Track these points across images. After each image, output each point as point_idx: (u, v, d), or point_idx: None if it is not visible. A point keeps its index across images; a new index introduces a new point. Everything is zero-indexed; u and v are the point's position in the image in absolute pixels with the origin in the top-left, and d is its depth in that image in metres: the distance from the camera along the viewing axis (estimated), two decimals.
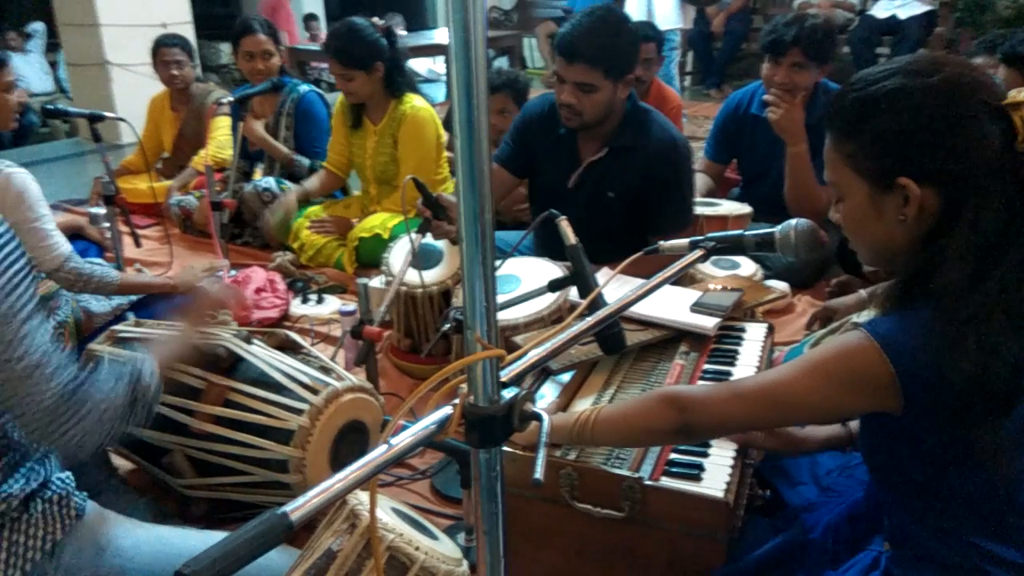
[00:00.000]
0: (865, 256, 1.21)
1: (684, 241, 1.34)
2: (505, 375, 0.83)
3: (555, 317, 2.03)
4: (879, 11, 6.43)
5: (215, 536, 1.11)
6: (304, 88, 3.66)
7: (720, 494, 1.29)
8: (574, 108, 2.29)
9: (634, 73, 2.32)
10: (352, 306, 2.53)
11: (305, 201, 3.48)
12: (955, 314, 1.01)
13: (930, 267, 1.07)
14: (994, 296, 1.01)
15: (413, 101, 3.23)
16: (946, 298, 1.03)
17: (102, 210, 3.17)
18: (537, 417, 0.83)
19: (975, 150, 1.03)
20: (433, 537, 1.35)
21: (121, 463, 1.90)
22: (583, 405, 1.54)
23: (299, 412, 1.64)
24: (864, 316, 2.04)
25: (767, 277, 2.76)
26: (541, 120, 2.51)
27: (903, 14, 6.26)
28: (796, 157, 2.75)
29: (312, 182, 3.52)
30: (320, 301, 2.96)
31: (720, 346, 1.75)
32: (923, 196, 1.07)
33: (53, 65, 8.04)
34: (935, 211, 1.08)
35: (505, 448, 0.85)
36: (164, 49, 3.92)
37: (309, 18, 9.14)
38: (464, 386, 0.80)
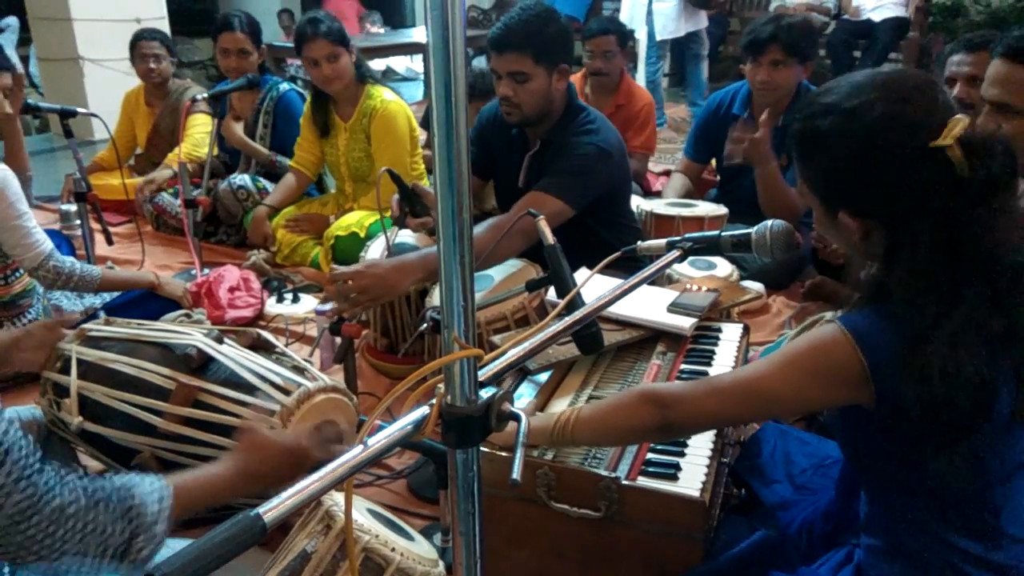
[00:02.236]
0: (840, 251, 1.24)
1: (661, 241, 1.35)
2: (483, 375, 0.82)
3: (519, 316, 2.03)
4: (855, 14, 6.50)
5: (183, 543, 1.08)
6: (284, 86, 3.63)
7: (696, 493, 1.30)
8: (511, 101, 2.31)
9: (568, 63, 2.34)
10: (328, 305, 2.51)
11: (275, 211, 3.44)
12: (922, 346, 1.03)
13: (886, 285, 1.10)
14: (960, 329, 1.02)
15: (382, 95, 3.20)
16: (912, 320, 1.05)
17: (74, 207, 3.13)
18: (515, 417, 0.82)
19: (906, 190, 1.05)
20: (409, 538, 1.35)
21: (90, 463, 1.87)
22: (561, 405, 1.54)
23: (270, 413, 1.62)
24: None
25: (743, 278, 2.78)
26: (495, 122, 2.55)
27: (876, 17, 6.33)
28: (765, 176, 2.75)
29: (276, 195, 3.45)
30: (296, 300, 2.94)
31: (697, 346, 1.76)
32: (864, 226, 1.11)
33: (24, 60, 7.91)
34: (881, 237, 1.11)
35: (482, 448, 0.84)
36: (143, 43, 3.87)
37: (283, 12, 9.05)
38: (441, 386, 0.79)
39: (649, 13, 5.84)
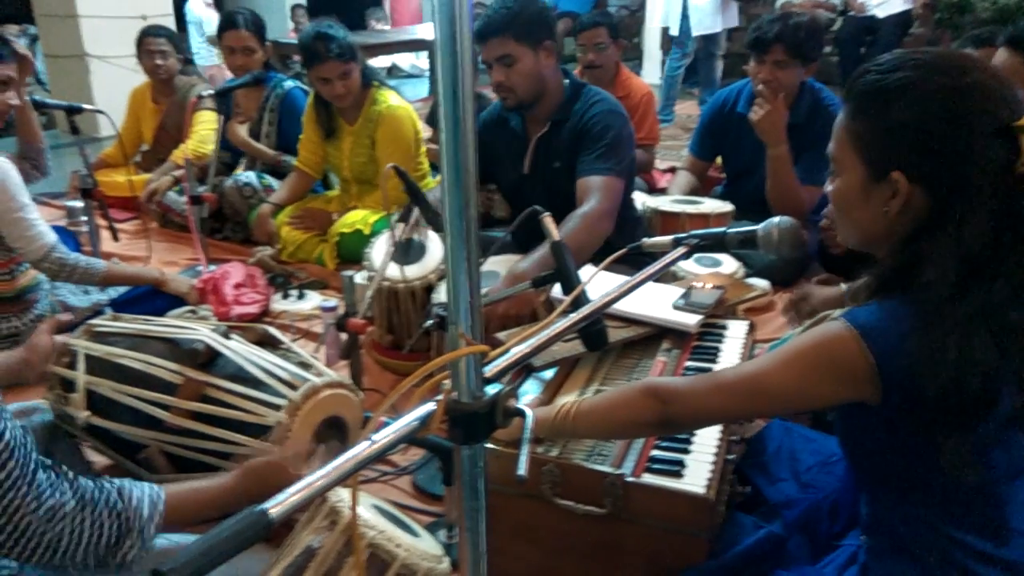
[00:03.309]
0: (844, 235, 1.22)
1: (667, 238, 1.34)
2: (488, 371, 0.82)
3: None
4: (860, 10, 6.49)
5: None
6: (289, 84, 3.62)
7: (701, 490, 1.30)
8: (504, 85, 2.41)
9: (552, 40, 2.40)
10: (333, 302, 2.52)
11: (279, 209, 3.43)
12: (938, 324, 1.02)
13: (911, 265, 1.07)
14: (978, 313, 1.01)
15: (389, 100, 3.18)
16: (928, 302, 1.04)
17: (80, 204, 3.14)
18: (520, 413, 0.82)
19: (974, 163, 1.03)
20: (414, 534, 1.35)
21: (96, 458, 1.88)
22: (565, 401, 1.54)
23: (277, 408, 1.62)
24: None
25: (748, 275, 2.77)
26: (493, 123, 2.62)
27: (881, 13, 6.31)
28: (776, 159, 2.76)
29: (281, 193, 3.45)
30: (301, 297, 2.94)
31: (702, 343, 1.75)
32: (911, 194, 1.07)
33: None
34: (920, 212, 1.08)
35: (488, 445, 0.84)
36: (149, 39, 3.88)
37: (296, 8, 9.06)
38: (447, 382, 0.79)
39: (685, 9, 5.83)
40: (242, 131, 3.57)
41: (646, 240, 1.38)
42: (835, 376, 1.09)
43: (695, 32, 5.86)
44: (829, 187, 1.20)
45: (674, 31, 6.01)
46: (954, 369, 1.00)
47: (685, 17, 5.88)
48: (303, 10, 8.99)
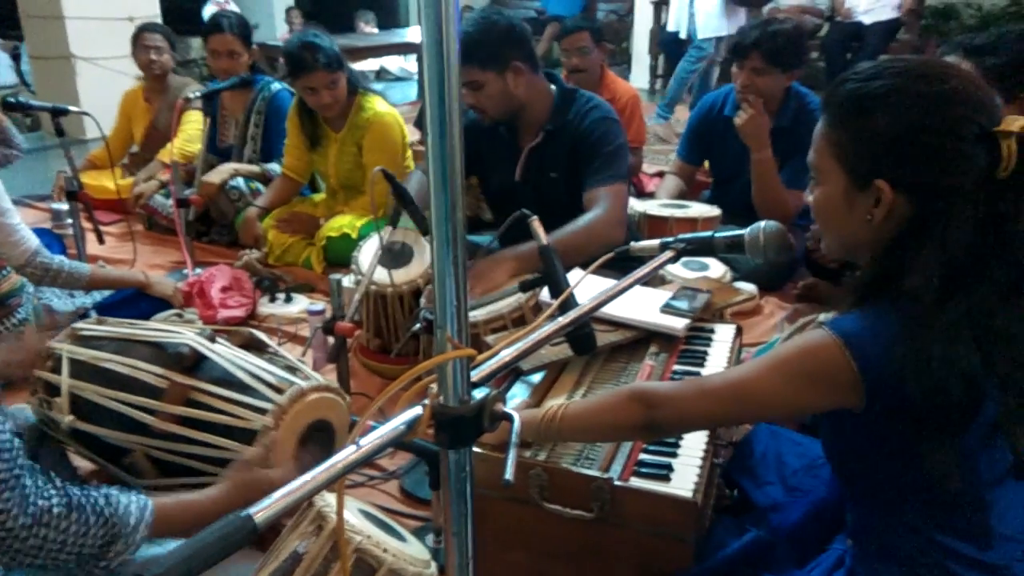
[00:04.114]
0: (827, 244, 1.23)
1: (655, 242, 1.35)
2: (476, 375, 0.82)
3: (516, 316, 2.03)
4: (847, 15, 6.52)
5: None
6: (276, 87, 3.61)
7: (688, 494, 1.30)
8: (475, 107, 2.44)
9: (522, 59, 2.39)
10: (320, 305, 2.51)
11: (266, 213, 3.41)
12: (922, 331, 1.02)
13: (895, 272, 1.08)
14: (962, 319, 1.02)
15: (376, 106, 3.17)
16: (912, 309, 1.04)
17: (65, 206, 3.11)
18: (508, 417, 0.82)
19: (957, 169, 1.03)
20: (401, 539, 1.34)
21: (81, 463, 1.86)
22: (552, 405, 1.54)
23: (263, 412, 1.61)
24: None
25: (735, 279, 2.78)
26: (481, 123, 2.60)
27: (867, 20, 6.35)
28: (760, 163, 2.77)
29: (267, 197, 3.43)
30: (288, 300, 2.93)
31: (689, 347, 1.76)
32: (895, 202, 1.08)
33: (15, 58, 7.86)
34: (903, 219, 1.09)
35: (475, 449, 0.84)
36: (146, 34, 3.87)
37: (291, 11, 9.04)
38: (434, 386, 0.79)
39: (691, 13, 5.83)
40: (216, 177, 3.45)
41: (634, 244, 1.38)
42: (819, 383, 1.10)
43: (701, 35, 5.86)
44: (810, 196, 1.20)
45: (683, 35, 6.02)
46: (938, 376, 1.00)
47: (692, 20, 5.88)
48: (297, 12, 8.97)
